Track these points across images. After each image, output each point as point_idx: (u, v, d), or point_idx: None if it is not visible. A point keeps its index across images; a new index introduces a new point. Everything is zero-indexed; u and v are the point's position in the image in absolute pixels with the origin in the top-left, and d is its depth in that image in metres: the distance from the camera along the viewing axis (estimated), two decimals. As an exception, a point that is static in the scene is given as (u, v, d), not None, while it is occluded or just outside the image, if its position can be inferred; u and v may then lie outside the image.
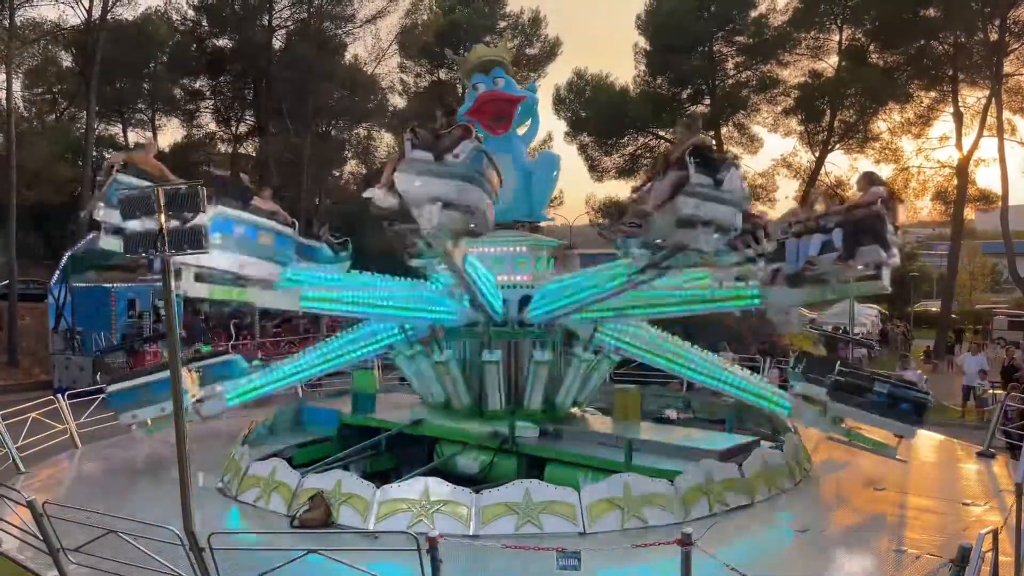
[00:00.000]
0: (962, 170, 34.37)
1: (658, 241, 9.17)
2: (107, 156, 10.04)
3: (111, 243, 9.56)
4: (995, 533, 6.51)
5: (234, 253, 10.08)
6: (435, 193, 8.39)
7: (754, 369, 17.29)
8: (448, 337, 12.20)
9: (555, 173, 12.96)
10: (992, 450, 12.33)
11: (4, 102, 32.38)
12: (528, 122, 13.15)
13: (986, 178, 50.77)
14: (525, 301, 11.80)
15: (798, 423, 11.78)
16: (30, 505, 6.87)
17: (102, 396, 12.14)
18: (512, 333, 11.81)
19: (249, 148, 46.54)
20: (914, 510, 9.52)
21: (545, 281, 12.04)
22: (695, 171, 8.45)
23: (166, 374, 9.98)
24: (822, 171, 38.36)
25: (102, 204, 9.64)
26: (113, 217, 9.26)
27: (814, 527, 8.72)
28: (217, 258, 9.70)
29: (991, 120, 33.63)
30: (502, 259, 12.09)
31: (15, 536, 8.13)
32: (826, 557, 7.99)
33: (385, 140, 47.87)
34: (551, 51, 44.16)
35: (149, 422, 11.46)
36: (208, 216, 7.64)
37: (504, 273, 12.00)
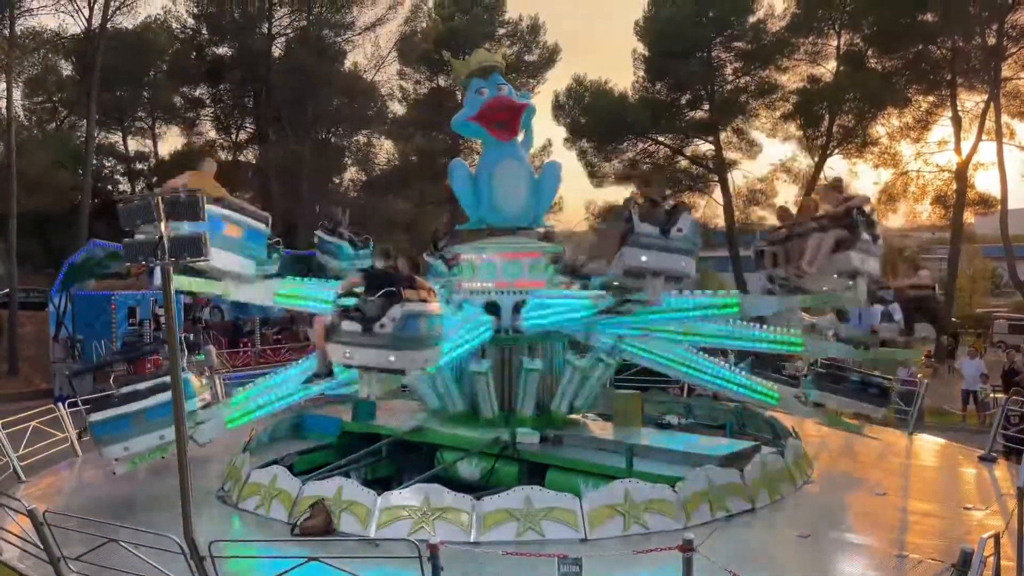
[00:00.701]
0: (961, 174, 34.40)
1: (613, 284, 9.36)
2: (168, 182, 9.74)
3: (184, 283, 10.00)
4: (997, 537, 6.51)
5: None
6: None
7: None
8: None
9: (558, 181, 12.98)
10: (993, 454, 12.31)
11: (4, 111, 32.52)
12: (523, 131, 13.13)
13: (985, 182, 50.83)
14: (519, 307, 11.76)
15: (785, 412, 12.64)
16: (31, 514, 6.87)
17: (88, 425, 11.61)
18: (506, 340, 11.76)
19: (249, 156, 46.62)
20: (915, 514, 9.50)
21: (538, 289, 12.04)
22: (640, 221, 8.61)
23: (163, 397, 9.39)
24: (821, 176, 38.40)
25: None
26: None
27: (815, 532, 8.70)
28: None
29: (990, 124, 33.68)
30: (495, 265, 12.11)
31: (16, 545, 8.12)
32: (828, 562, 7.97)
33: (385, 147, 48.00)
34: (550, 58, 44.26)
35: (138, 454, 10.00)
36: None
37: (497, 279, 11.97)
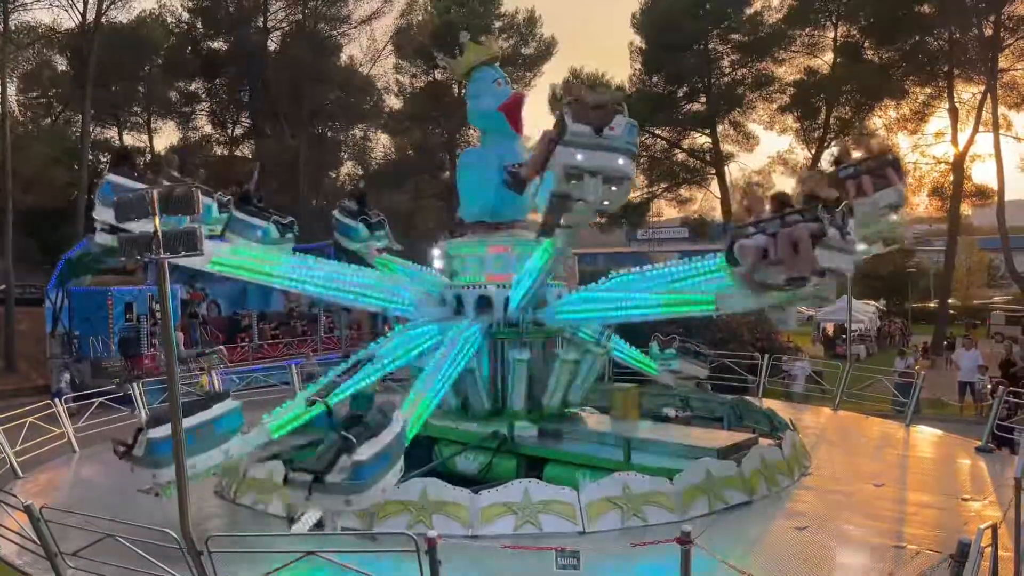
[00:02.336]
0: (958, 166, 34.44)
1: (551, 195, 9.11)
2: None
3: (104, 240, 9.37)
4: (994, 528, 6.51)
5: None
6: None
7: (752, 367, 17.37)
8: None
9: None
10: (991, 445, 12.33)
11: (-1, 106, 32.40)
12: None
13: (982, 174, 50.79)
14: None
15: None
16: (28, 510, 6.85)
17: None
18: (496, 333, 11.73)
19: (245, 150, 46.54)
20: (913, 506, 9.51)
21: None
22: (572, 121, 8.47)
23: (231, 405, 8.96)
24: (818, 168, 38.41)
25: (99, 203, 9.47)
26: (108, 216, 9.05)
27: (813, 524, 8.71)
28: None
29: (987, 115, 33.72)
30: (487, 259, 12.09)
31: (13, 541, 8.10)
32: (825, 554, 7.97)
33: (382, 141, 47.95)
34: (547, 50, 44.21)
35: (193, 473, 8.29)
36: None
37: (491, 273, 11.94)
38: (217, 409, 8.67)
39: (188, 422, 7.86)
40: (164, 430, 7.77)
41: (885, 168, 10.69)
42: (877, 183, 10.54)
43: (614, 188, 8.85)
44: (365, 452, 7.50)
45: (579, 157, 8.51)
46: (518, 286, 11.35)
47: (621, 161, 8.75)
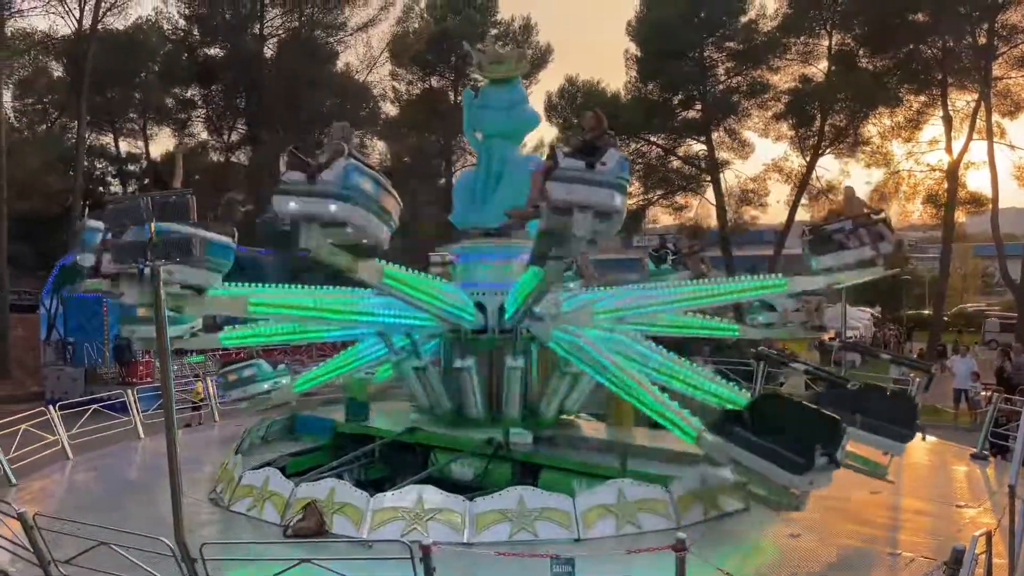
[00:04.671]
0: (952, 173, 34.58)
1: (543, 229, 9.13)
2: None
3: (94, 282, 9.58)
4: (989, 535, 6.52)
5: (357, 207, 9.01)
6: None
7: (748, 375, 17.35)
8: (427, 342, 12.12)
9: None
10: (985, 452, 12.35)
11: (-5, 112, 32.36)
12: None
13: (976, 181, 50.97)
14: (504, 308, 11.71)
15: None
16: (21, 517, 6.82)
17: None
18: (490, 341, 11.73)
19: (241, 157, 46.53)
20: (908, 513, 9.53)
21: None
22: (563, 156, 8.50)
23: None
24: (813, 175, 38.57)
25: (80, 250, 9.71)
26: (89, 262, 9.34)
27: (807, 531, 8.71)
28: (344, 210, 8.85)
29: (980, 123, 33.90)
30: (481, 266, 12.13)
31: (6, 549, 8.05)
32: (820, 561, 7.97)
33: (378, 148, 47.99)
34: (542, 58, 44.39)
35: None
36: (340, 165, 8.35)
37: (485, 279, 11.98)
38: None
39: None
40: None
41: (878, 224, 11.15)
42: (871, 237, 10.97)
43: (603, 223, 8.85)
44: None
45: (570, 192, 8.52)
46: (512, 299, 11.38)
47: (615, 199, 8.76)
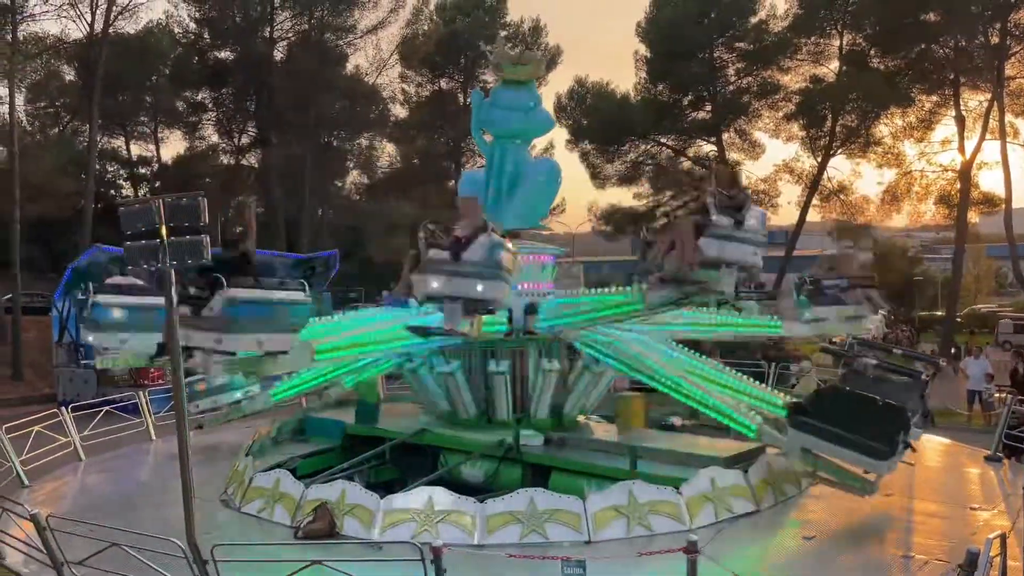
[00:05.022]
0: (965, 174, 34.36)
1: (677, 278, 9.29)
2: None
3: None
4: (1003, 537, 6.46)
5: (250, 334, 8.96)
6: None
7: (759, 375, 17.29)
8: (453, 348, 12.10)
9: (559, 182, 13.00)
10: (999, 454, 12.26)
11: (7, 116, 32.65)
12: None
13: (989, 181, 50.63)
14: (530, 309, 11.73)
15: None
16: (34, 518, 6.87)
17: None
18: (519, 342, 11.76)
19: (251, 160, 46.71)
20: (921, 515, 9.46)
21: (551, 292, 12.05)
22: (717, 212, 8.69)
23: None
24: (824, 176, 38.41)
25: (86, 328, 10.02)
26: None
27: (820, 533, 8.67)
28: (235, 343, 8.80)
29: (993, 123, 33.67)
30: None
31: (19, 550, 8.11)
32: (833, 563, 7.93)
33: (387, 150, 48.10)
34: (552, 59, 44.27)
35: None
36: (218, 301, 8.07)
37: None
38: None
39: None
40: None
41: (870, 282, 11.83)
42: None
43: (742, 275, 9.26)
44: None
45: (721, 250, 8.84)
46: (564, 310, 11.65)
47: (755, 253, 9.03)
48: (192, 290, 8.51)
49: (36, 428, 12.36)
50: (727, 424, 10.32)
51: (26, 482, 11.44)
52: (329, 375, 12.66)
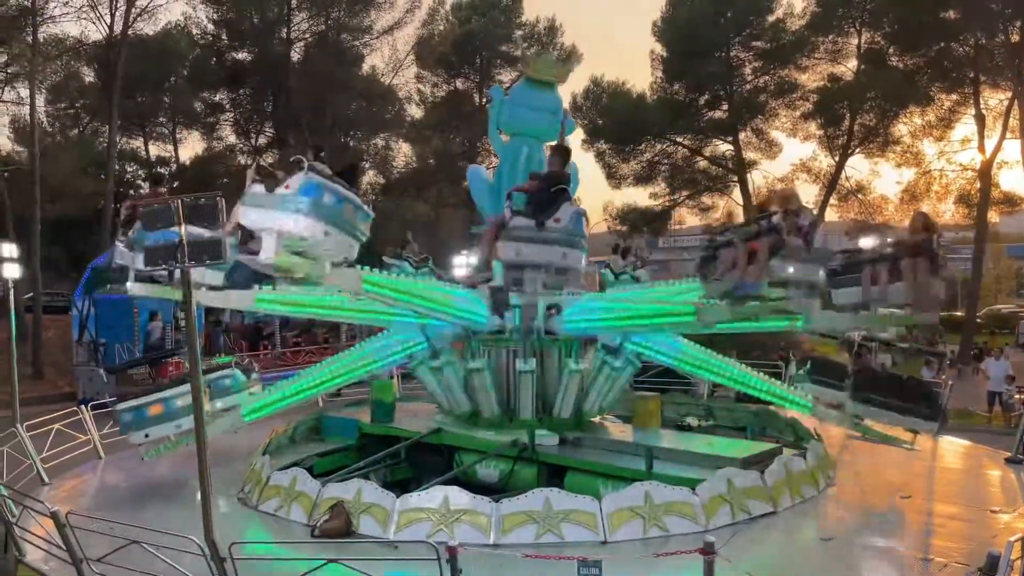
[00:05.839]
0: (985, 173, 34.01)
1: (742, 293, 9.24)
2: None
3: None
4: (1024, 541, 6.41)
5: (318, 221, 8.58)
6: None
7: (775, 374, 17.21)
8: (477, 344, 12.09)
9: (576, 182, 13.00)
10: (1020, 456, 12.12)
11: (28, 117, 32.93)
12: None
13: (1010, 180, 50.13)
14: (550, 309, 11.71)
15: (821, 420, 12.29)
16: (54, 516, 6.93)
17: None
18: (540, 342, 11.75)
19: (269, 159, 46.88)
20: (940, 517, 9.37)
21: (577, 293, 12.06)
22: (790, 235, 8.74)
23: (181, 389, 10.37)
24: (842, 175, 38.13)
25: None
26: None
27: (838, 535, 8.61)
28: (302, 224, 8.49)
29: (1014, 122, 33.29)
30: None
31: (40, 547, 8.21)
32: (851, 566, 7.88)
33: (403, 150, 48.19)
34: (568, 59, 44.21)
35: (170, 438, 10.78)
36: (298, 180, 8.18)
37: None
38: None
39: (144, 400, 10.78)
40: (131, 403, 10.75)
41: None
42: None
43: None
44: None
45: (792, 270, 8.89)
46: (595, 311, 11.69)
47: (820, 271, 9.38)
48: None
49: (56, 426, 12.50)
50: (784, 405, 12.07)
51: (46, 479, 11.56)
52: (303, 393, 11.84)
